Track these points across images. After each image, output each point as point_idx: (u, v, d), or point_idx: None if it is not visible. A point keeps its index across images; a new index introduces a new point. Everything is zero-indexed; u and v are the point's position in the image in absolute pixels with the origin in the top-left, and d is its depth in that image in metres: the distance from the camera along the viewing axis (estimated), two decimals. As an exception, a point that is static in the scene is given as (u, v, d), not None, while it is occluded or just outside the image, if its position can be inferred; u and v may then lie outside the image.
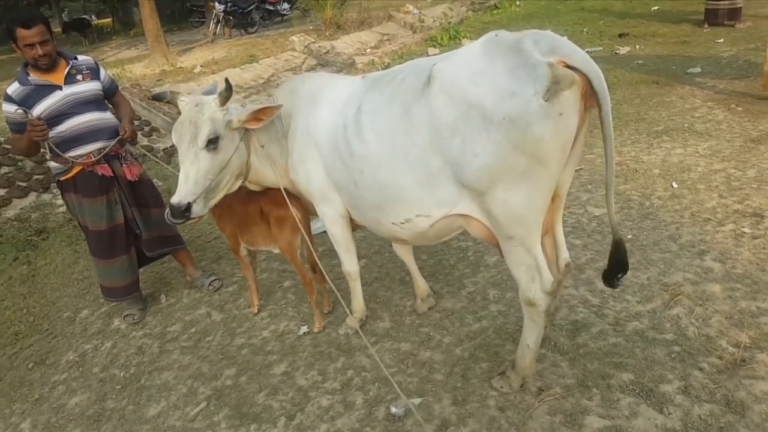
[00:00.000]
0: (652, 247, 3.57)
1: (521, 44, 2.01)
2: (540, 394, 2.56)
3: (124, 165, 3.59)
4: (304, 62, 11.41)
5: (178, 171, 2.76)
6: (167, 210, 2.76)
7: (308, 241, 3.07)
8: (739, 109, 5.60)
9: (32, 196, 6.06)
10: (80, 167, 3.42)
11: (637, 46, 8.83)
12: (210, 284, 4.04)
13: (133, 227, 3.70)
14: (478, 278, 3.58)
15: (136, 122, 7.44)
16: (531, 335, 2.47)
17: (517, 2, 15.48)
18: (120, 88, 3.92)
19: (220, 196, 2.90)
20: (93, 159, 3.41)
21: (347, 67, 10.70)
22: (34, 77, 3.30)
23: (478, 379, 2.74)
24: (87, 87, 3.43)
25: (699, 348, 2.68)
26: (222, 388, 3.04)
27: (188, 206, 2.70)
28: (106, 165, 3.49)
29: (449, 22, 13.95)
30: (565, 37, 2.11)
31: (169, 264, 4.46)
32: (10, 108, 3.27)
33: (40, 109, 3.26)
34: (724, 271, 3.21)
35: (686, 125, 5.45)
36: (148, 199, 3.73)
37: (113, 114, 3.62)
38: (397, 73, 2.49)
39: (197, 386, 3.09)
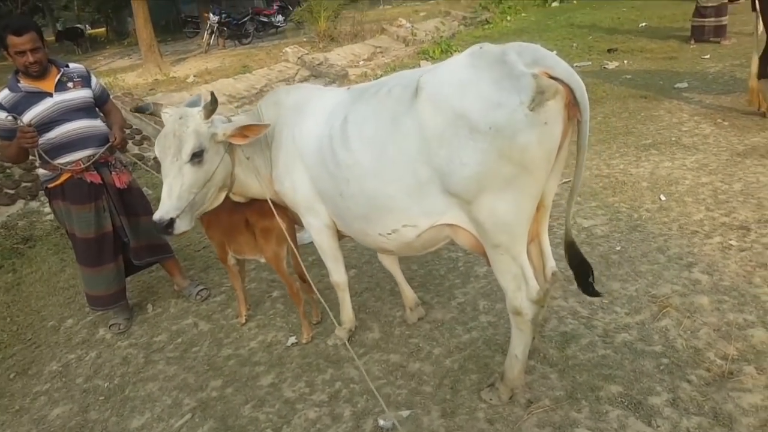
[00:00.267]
0: (641, 259, 3.58)
1: (506, 56, 2.05)
2: (529, 406, 2.55)
3: (113, 172, 3.57)
4: (297, 73, 11.46)
5: None
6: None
7: (295, 252, 3.05)
8: (726, 123, 5.67)
9: (20, 204, 6.00)
10: (69, 174, 3.40)
11: (626, 61, 8.93)
12: (198, 294, 4.00)
13: (121, 235, 3.66)
14: (468, 289, 3.58)
15: (127, 131, 7.44)
16: (519, 345, 2.46)
17: (508, 17, 15.67)
18: (112, 96, 3.91)
19: (205, 209, 2.88)
20: (82, 166, 3.39)
21: (340, 78, 10.74)
22: (25, 84, 3.29)
23: (467, 390, 2.72)
24: (77, 94, 3.42)
25: (687, 360, 2.68)
26: (207, 400, 3.00)
27: (171, 222, 2.65)
28: (95, 172, 3.47)
29: (441, 36, 14.11)
30: (554, 52, 2.14)
31: (156, 273, 4.42)
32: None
33: (30, 115, 3.24)
34: (711, 283, 3.23)
35: (674, 139, 5.50)
36: (136, 207, 3.70)
37: (104, 122, 3.60)
38: (383, 84, 2.50)
39: (182, 397, 3.05)
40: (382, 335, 3.28)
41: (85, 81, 3.49)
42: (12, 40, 3.16)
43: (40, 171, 3.48)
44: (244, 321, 3.61)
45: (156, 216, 2.65)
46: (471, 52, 2.18)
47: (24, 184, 6.21)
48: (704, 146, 5.21)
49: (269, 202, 2.87)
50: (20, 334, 3.96)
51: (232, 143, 2.78)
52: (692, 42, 9.32)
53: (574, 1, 16.74)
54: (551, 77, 1.99)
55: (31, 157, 3.45)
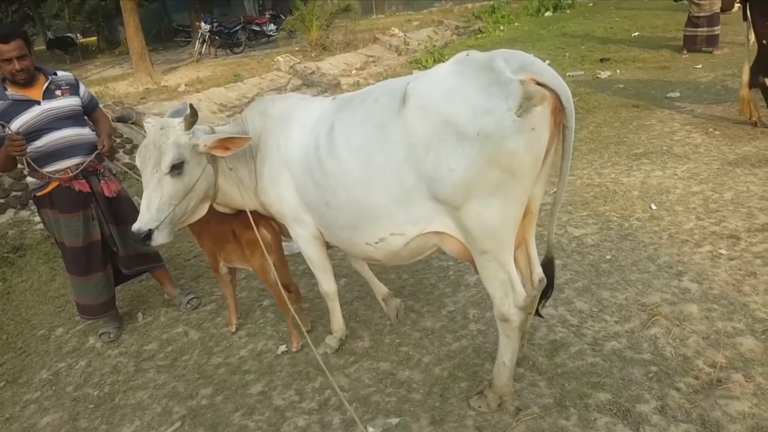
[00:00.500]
0: (631, 267, 3.59)
1: (493, 63, 2.07)
2: (518, 413, 2.54)
3: (102, 181, 3.55)
4: (288, 82, 11.48)
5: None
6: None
7: (280, 263, 3.03)
8: (717, 132, 5.71)
9: (10, 213, 5.98)
10: (57, 183, 3.38)
11: (618, 71, 8.99)
12: (188, 302, 3.99)
13: (110, 244, 3.65)
14: (458, 297, 3.58)
15: (118, 139, 7.44)
16: (506, 352, 2.46)
17: (501, 27, 15.74)
18: (102, 105, 3.90)
19: (187, 221, 2.87)
20: (70, 174, 3.38)
21: (332, 87, 10.76)
22: (12, 92, 3.28)
23: (456, 398, 2.72)
24: (65, 102, 3.41)
25: (676, 368, 2.69)
26: (197, 408, 2.98)
27: (149, 233, 2.63)
28: (84, 180, 3.45)
29: (434, 45, 14.16)
30: (547, 61, 2.16)
31: (147, 282, 4.40)
32: None
33: (18, 123, 3.23)
34: (701, 292, 3.24)
35: (665, 148, 5.53)
36: (125, 215, 3.66)
37: (92, 130, 3.59)
38: (369, 93, 2.51)
39: (172, 406, 3.04)
40: (372, 343, 3.28)
41: (73, 89, 3.48)
42: None
43: (29, 179, 3.46)
44: (234, 329, 3.59)
45: (134, 227, 2.63)
46: (457, 60, 2.20)
47: (14, 193, 6.19)
48: (695, 155, 5.24)
49: (248, 214, 2.85)
50: (10, 343, 3.93)
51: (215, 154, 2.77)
52: (684, 52, 9.39)
53: (567, 11, 16.86)
54: (538, 83, 2.01)
55: (19, 166, 3.44)
